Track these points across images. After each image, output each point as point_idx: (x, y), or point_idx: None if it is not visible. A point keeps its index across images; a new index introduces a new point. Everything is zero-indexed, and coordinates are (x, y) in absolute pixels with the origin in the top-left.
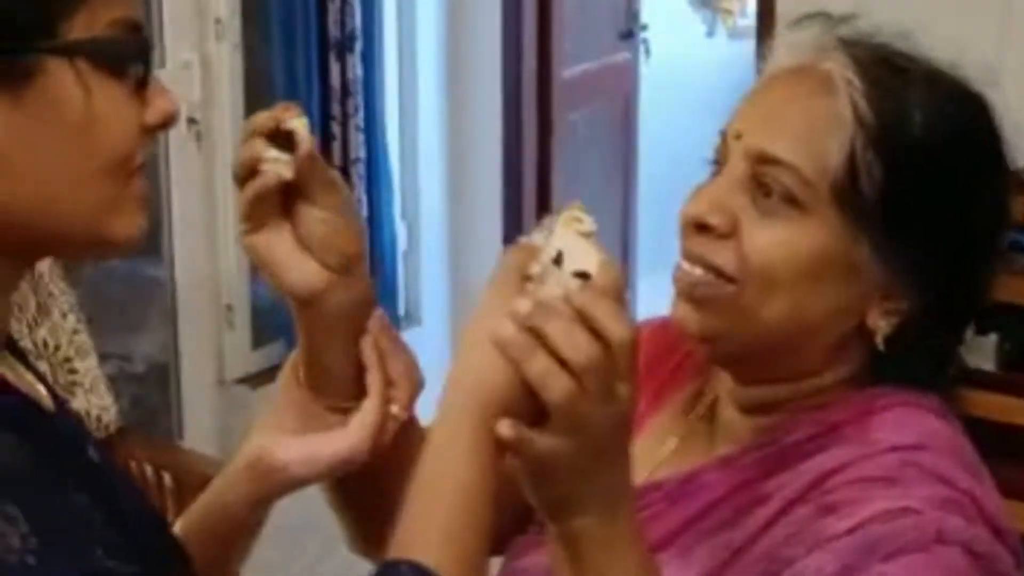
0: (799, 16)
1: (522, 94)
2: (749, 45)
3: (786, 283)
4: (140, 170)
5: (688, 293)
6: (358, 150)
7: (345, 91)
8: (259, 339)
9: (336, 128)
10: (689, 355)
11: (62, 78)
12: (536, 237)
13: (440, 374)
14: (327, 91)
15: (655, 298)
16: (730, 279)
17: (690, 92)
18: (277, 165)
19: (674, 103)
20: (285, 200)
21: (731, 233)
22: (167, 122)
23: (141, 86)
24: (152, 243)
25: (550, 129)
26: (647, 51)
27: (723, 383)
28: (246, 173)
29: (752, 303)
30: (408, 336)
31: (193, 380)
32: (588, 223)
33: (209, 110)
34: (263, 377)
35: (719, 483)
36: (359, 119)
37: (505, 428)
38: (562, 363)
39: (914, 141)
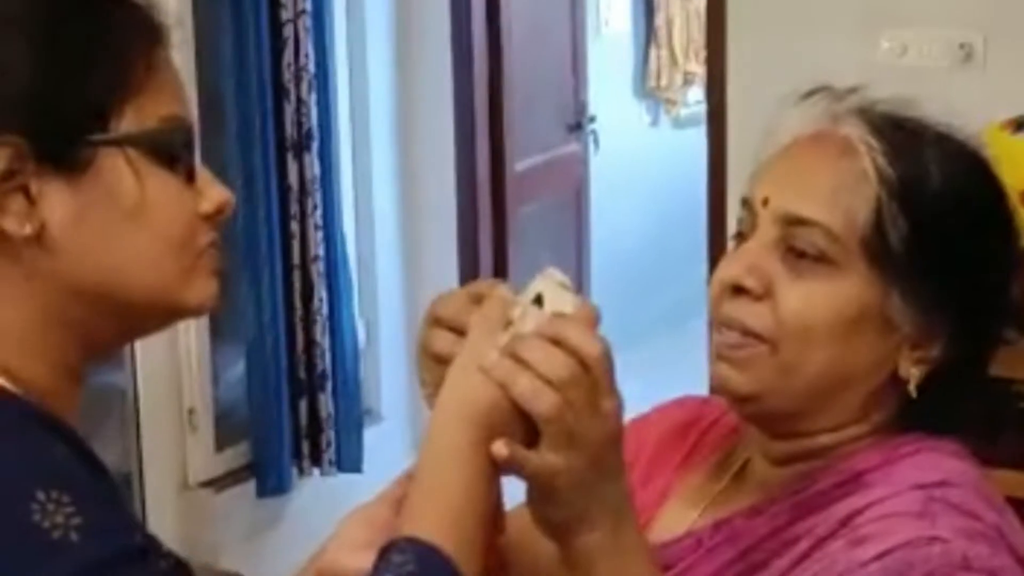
0: (806, 91)
1: (476, 189)
2: (692, 133)
3: (823, 339)
4: (212, 247)
5: (727, 356)
6: (317, 248)
7: (303, 190)
8: (222, 442)
9: (295, 227)
10: (713, 425)
11: (116, 167)
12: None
13: (402, 469)
14: (285, 190)
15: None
16: (767, 340)
17: (637, 181)
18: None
19: (623, 192)
20: None
21: (766, 295)
22: (222, 210)
23: (191, 178)
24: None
25: (504, 223)
26: (596, 142)
27: (754, 443)
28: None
29: (791, 361)
30: (369, 433)
31: (156, 486)
32: (564, 278)
33: None
34: (227, 480)
35: (750, 531)
36: (317, 218)
37: (500, 447)
38: (545, 381)
39: (933, 194)
